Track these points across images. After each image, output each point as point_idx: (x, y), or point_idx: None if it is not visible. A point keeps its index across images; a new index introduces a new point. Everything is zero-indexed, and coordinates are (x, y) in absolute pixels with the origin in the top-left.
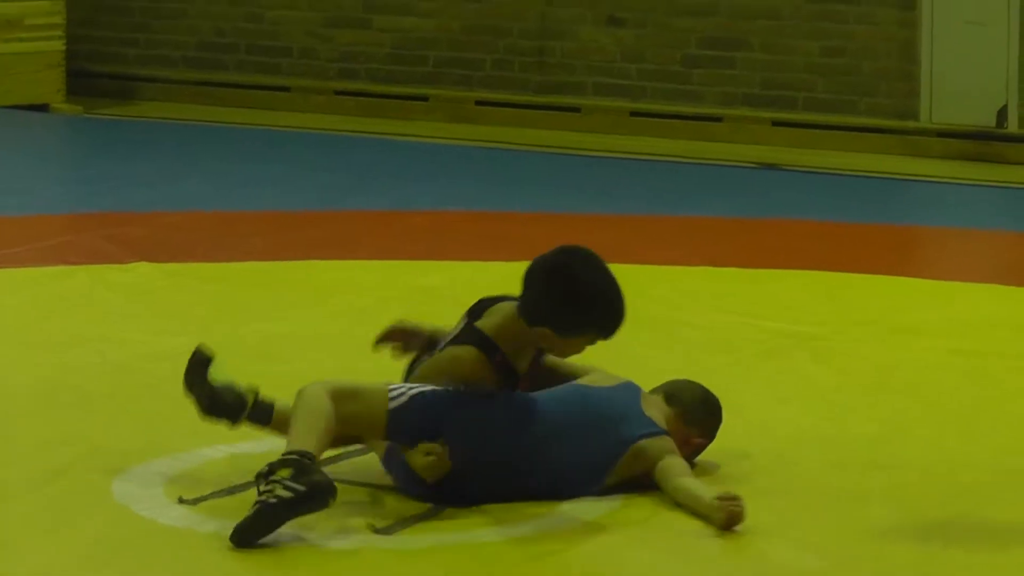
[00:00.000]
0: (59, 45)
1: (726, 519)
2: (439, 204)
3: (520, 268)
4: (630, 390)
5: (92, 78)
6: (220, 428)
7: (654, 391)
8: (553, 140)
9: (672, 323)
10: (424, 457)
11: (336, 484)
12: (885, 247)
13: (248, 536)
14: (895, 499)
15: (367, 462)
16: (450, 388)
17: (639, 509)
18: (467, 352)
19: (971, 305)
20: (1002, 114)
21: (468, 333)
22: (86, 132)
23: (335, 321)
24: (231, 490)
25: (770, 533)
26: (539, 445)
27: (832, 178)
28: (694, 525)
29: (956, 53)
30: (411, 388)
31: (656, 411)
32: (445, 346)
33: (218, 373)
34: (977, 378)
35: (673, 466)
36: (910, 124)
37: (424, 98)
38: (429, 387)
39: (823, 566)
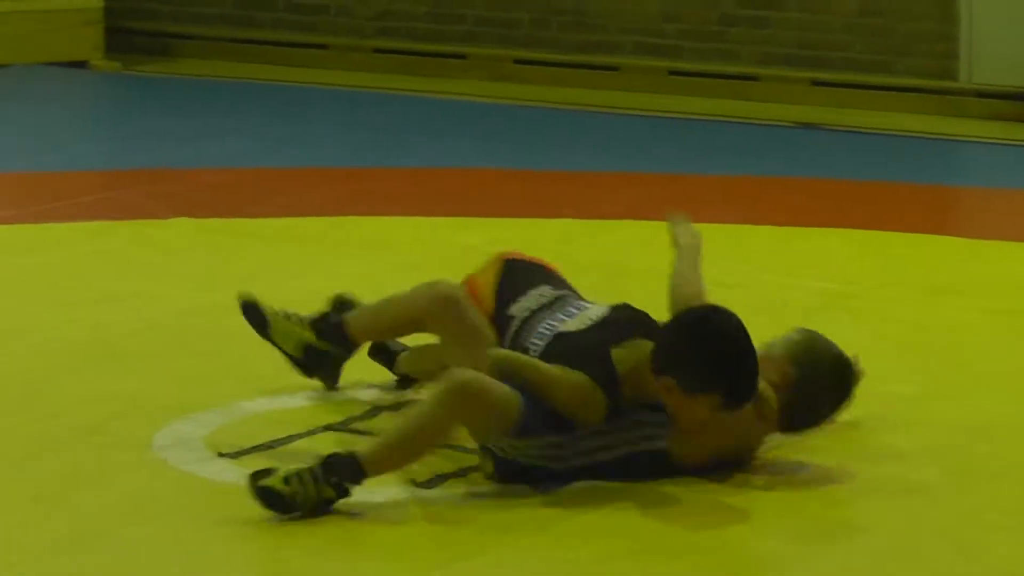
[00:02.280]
0: (98, 2)
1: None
2: (477, 162)
3: (562, 226)
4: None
5: (130, 35)
6: (257, 382)
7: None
8: (591, 99)
9: (709, 282)
10: None
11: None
12: (923, 207)
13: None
14: (935, 458)
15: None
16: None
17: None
18: (593, 394)
19: (1010, 264)
20: None
21: (602, 366)
22: (125, 89)
23: (374, 277)
24: (271, 444)
25: (806, 488)
26: None
27: (870, 138)
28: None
29: (995, 13)
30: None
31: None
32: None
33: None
34: (1016, 338)
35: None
36: (949, 84)
37: (462, 56)
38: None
39: (859, 521)
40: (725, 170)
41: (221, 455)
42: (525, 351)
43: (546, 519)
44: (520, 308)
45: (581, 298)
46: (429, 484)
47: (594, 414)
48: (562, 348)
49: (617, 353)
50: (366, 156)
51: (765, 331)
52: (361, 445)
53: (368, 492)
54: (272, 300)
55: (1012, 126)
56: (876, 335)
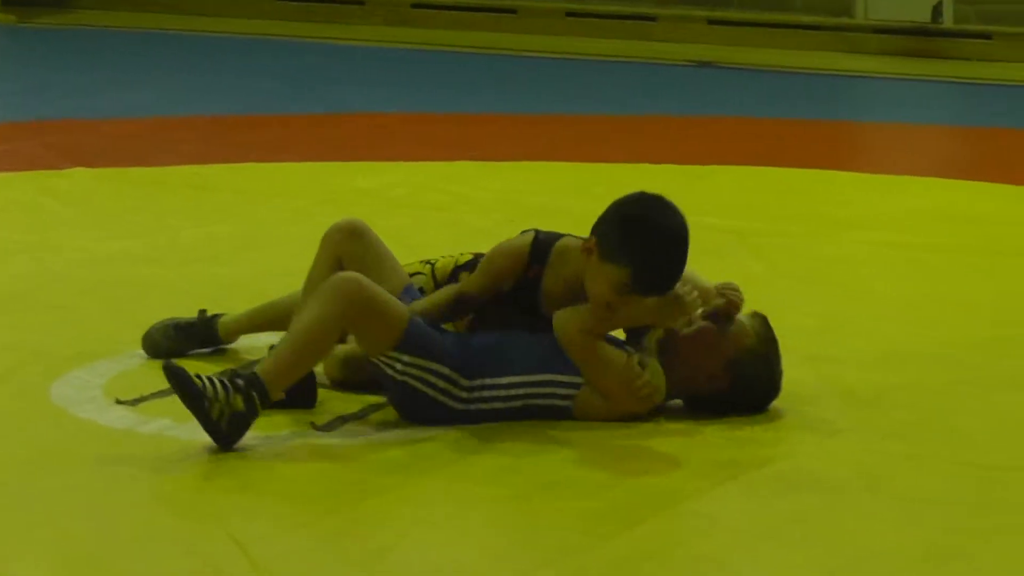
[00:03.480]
0: None
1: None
2: (376, 107)
3: (459, 168)
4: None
5: None
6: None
7: None
8: (490, 42)
9: None
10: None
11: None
12: (822, 143)
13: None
14: (834, 392)
15: None
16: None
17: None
18: (521, 240)
19: (908, 198)
20: (937, 10)
21: (530, 234)
22: (21, 42)
23: (272, 223)
24: (168, 391)
25: (713, 427)
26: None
27: (768, 75)
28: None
29: None
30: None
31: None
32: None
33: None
34: (914, 270)
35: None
36: (846, 20)
37: (360, 1)
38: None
39: (764, 455)
40: (624, 110)
41: (119, 402)
42: None
43: (451, 459)
44: None
45: None
46: (329, 427)
47: (518, 266)
48: None
49: (545, 235)
50: (265, 104)
51: None
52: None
53: (267, 436)
54: (174, 247)
55: (909, 61)
56: (776, 270)
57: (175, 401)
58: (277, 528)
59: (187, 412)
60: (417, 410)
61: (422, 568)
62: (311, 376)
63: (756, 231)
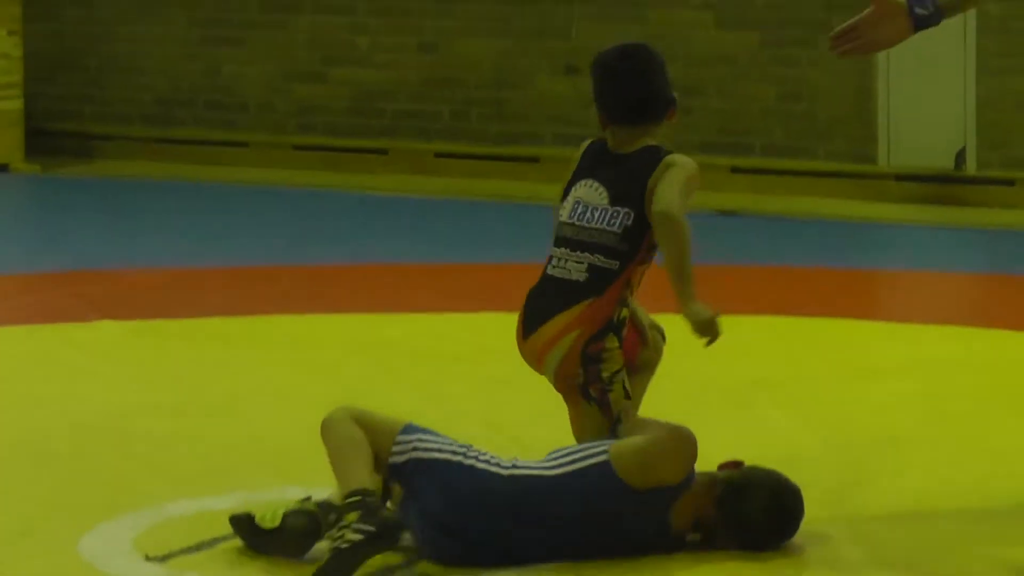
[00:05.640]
0: (17, 104)
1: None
2: (399, 257)
3: (483, 319)
4: (665, 496)
5: (50, 136)
6: (183, 484)
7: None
8: (513, 190)
9: None
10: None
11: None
12: (846, 291)
13: None
14: (862, 543)
15: None
16: (445, 459)
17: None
18: (687, 157)
19: (931, 347)
20: (960, 156)
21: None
22: (45, 191)
23: (296, 376)
24: (198, 547)
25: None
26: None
27: (791, 223)
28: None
29: (913, 97)
30: (414, 450)
31: (691, 509)
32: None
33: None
34: (939, 418)
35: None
36: (868, 168)
37: (384, 151)
38: (431, 452)
39: None
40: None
41: (148, 558)
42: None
43: None
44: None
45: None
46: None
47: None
48: None
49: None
50: (288, 253)
51: (688, 419)
52: None
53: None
54: (197, 401)
55: (932, 208)
56: (801, 420)
57: (204, 556)
58: None
59: (216, 566)
60: (453, 490)
61: None
62: None
63: (780, 380)
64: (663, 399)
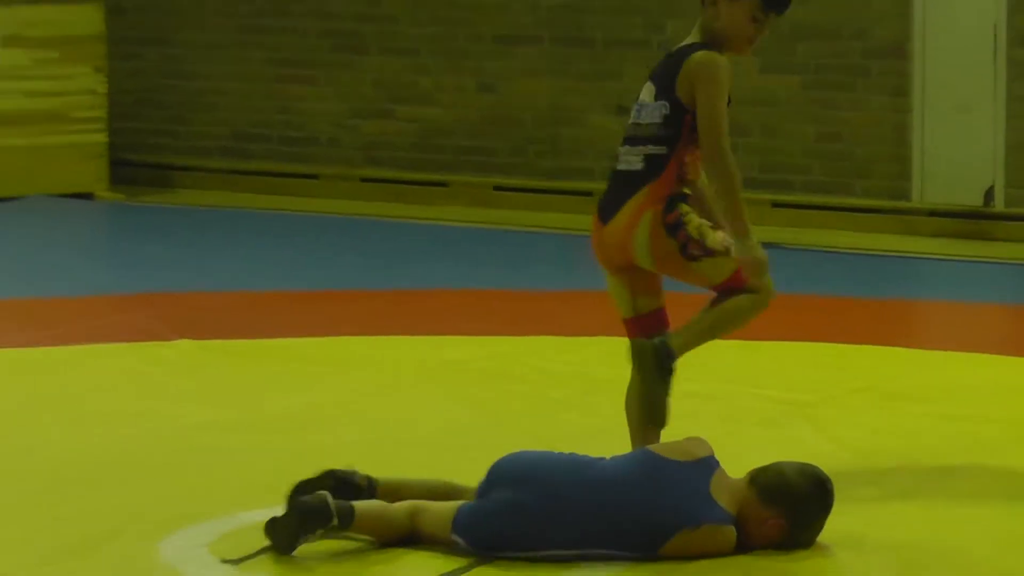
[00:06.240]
0: (102, 137)
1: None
2: (460, 284)
3: (540, 342)
4: (702, 468)
5: (133, 167)
6: (256, 493)
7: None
8: (566, 222)
9: (679, 393)
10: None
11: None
12: (879, 320)
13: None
14: (896, 566)
15: None
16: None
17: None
18: (713, 54)
19: (962, 373)
20: (989, 194)
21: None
22: (128, 218)
23: (362, 394)
24: (268, 550)
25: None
26: (592, 503)
27: (828, 255)
28: None
29: (945, 137)
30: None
31: (727, 494)
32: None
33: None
34: (970, 442)
35: None
36: (902, 204)
37: (445, 184)
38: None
39: None
40: (690, 289)
41: (224, 561)
42: None
43: None
44: None
45: None
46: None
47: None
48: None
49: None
50: (353, 279)
51: (725, 441)
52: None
53: None
54: (268, 416)
55: (962, 243)
56: (834, 442)
57: (274, 559)
58: None
59: (285, 569)
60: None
61: None
62: None
63: (814, 403)
64: (701, 419)
